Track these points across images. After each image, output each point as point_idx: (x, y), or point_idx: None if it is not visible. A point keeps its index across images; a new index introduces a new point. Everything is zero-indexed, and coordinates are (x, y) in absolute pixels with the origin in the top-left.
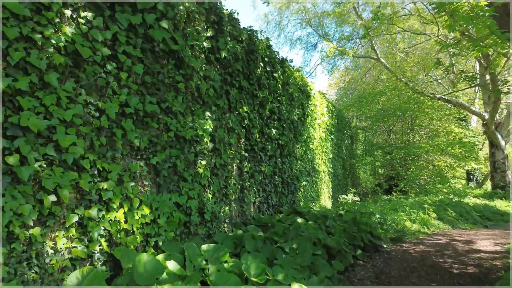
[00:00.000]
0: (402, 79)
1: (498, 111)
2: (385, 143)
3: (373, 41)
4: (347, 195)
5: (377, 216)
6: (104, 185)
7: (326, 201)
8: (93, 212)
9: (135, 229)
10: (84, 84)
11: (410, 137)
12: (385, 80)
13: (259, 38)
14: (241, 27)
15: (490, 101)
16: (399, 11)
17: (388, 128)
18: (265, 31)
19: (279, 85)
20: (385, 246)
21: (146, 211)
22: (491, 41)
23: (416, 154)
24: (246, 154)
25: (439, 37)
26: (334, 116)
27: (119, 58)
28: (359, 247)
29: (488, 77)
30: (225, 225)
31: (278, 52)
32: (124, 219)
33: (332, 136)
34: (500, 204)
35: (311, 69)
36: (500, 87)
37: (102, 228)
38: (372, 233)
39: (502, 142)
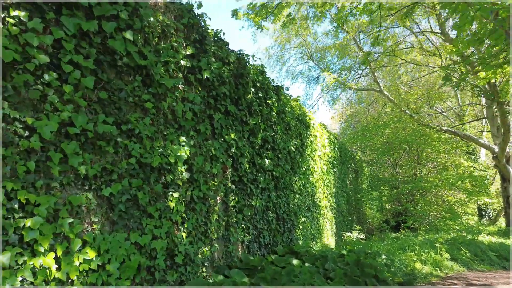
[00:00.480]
0: (407, 111)
1: (508, 144)
2: (391, 177)
3: (375, 74)
4: (351, 233)
5: (383, 257)
6: (27, 223)
7: (329, 239)
8: (4, 258)
9: (73, 277)
10: (8, 96)
11: (417, 171)
12: (389, 113)
13: (251, 62)
14: (230, 48)
15: (499, 133)
16: (400, 41)
17: (394, 161)
18: (266, 66)
19: (273, 113)
20: None
21: (91, 254)
22: (501, 59)
23: (424, 188)
24: (233, 186)
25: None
26: (336, 149)
27: (63, 68)
28: None
29: (495, 108)
30: (204, 269)
31: (273, 79)
32: (57, 266)
33: (334, 169)
34: None
35: (313, 102)
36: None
37: (20, 278)
38: (378, 277)
39: None
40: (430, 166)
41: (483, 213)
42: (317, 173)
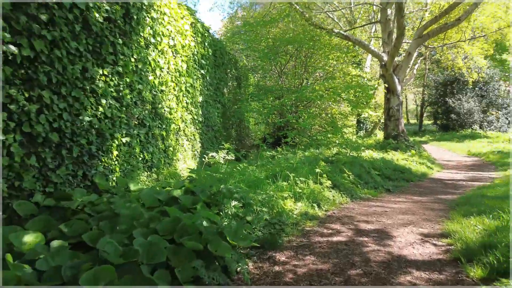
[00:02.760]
0: (297, 5)
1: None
2: (276, 86)
3: None
4: (217, 153)
5: (233, 203)
6: None
7: (187, 162)
8: None
9: None
10: None
11: (304, 80)
12: (279, 9)
13: None
14: None
15: (390, 40)
16: None
17: (280, 69)
18: None
19: None
20: (236, 271)
21: None
22: None
23: (308, 99)
24: None
25: None
26: (207, 45)
27: None
28: None
29: (390, 11)
30: None
31: None
32: None
33: (202, 72)
34: (396, 157)
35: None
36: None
37: None
38: (208, 253)
39: (399, 87)
40: (317, 74)
41: (361, 125)
42: (167, 72)
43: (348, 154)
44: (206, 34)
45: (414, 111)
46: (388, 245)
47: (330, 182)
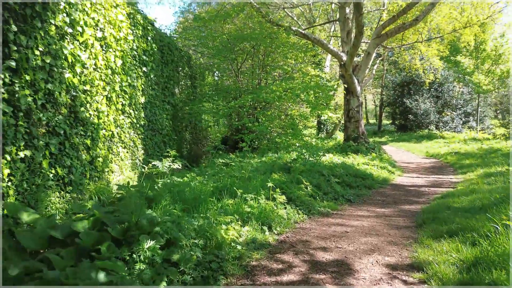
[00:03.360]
0: (253, 1)
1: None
2: (232, 87)
3: None
4: (161, 161)
5: (149, 243)
6: None
7: (125, 173)
8: None
9: None
10: None
11: (262, 80)
12: (235, 4)
13: None
14: None
15: (349, 39)
16: None
17: (237, 68)
18: None
19: None
20: None
21: None
22: None
23: (266, 100)
24: None
25: None
26: (150, 39)
27: None
28: None
29: (348, 10)
30: None
31: None
32: None
33: (145, 69)
34: (357, 161)
35: None
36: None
37: None
38: None
39: (358, 88)
40: (276, 74)
41: (322, 126)
42: (94, 69)
43: (307, 160)
44: (149, 28)
45: (374, 111)
46: (350, 285)
47: (284, 197)
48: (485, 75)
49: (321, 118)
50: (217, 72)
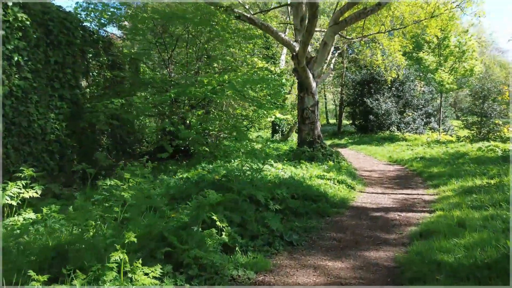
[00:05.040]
0: None
1: (312, 39)
2: (157, 78)
3: None
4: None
5: None
6: None
7: None
8: None
9: None
10: None
11: (201, 72)
12: None
13: None
14: None
15: (303, 26)
16: None
17: (167, 56)
18: None
19: None
20: None
21: None
22: None
23: (196, 96)
24: None
25: None
26: (17, 11)
27: None
28: None
29: None
30: None
31: None
32: None
33: (6, 50)
34: (309, 173)
35: None
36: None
37: None
38: None
39: (314, 84)
40: (216, 66)
41: (277, 127)
42: None
43: (245, 174)
44: None
45: (334, 111)
46: None
47: (170, 266)
48: (448, 73)
49: (273, 118)
50: (150, 62)
